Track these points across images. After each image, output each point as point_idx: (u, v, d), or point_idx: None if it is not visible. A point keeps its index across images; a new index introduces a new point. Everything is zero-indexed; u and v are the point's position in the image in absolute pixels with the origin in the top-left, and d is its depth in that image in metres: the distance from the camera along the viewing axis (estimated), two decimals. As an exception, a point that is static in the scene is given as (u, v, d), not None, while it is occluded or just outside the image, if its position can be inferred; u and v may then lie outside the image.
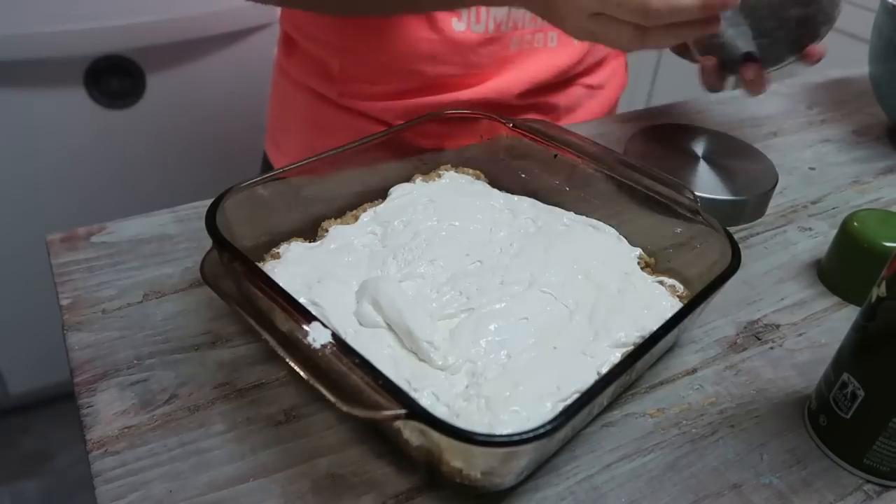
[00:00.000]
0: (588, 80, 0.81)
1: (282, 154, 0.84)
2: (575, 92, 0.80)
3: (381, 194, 0.56)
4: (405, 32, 0.69)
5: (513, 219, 0.55)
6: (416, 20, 0.68)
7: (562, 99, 0.78)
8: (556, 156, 0.57)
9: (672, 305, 0.47)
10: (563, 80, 0.78)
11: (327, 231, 0.52)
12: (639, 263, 0.52)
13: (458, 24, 0.69)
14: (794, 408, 0.46)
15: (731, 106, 0.85)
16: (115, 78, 1.22)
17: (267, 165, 0.87)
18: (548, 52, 0.74)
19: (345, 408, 0.34)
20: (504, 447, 0.33)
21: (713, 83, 0.63)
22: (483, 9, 0.68)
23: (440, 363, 0.41)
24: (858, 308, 0.41)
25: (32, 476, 1.40)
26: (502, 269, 0.49)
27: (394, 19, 0.68)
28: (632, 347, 0.42)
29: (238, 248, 0.42)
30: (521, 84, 0.73)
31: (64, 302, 0.49)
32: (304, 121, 0.80)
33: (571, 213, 0.56)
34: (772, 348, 0.50)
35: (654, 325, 0.41)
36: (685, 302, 0.47)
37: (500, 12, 0.69)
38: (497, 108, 0.66)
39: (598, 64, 0.82)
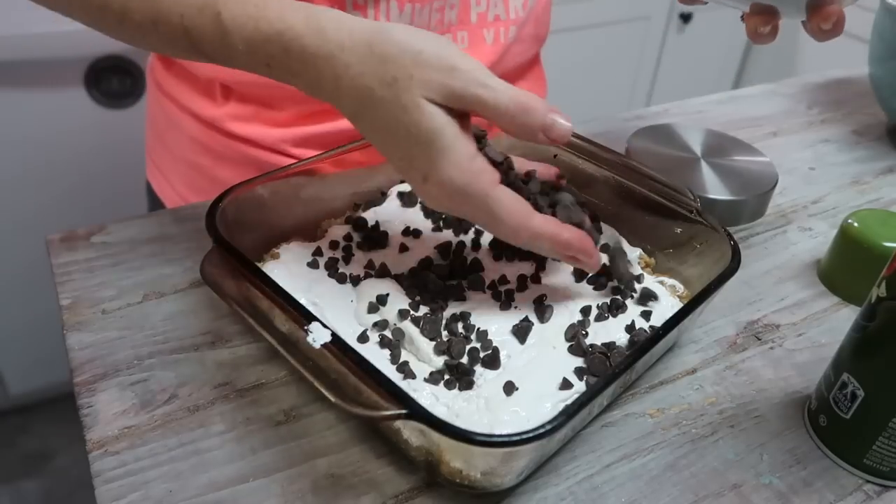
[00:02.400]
0: None
1: (170, 186, 0.71)
2: None
3: (381, 194, 0.56)
4: None
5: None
6: None
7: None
8: (555, 156, 0.57)
9: (672, 305, 0.47)
10: None
11: (327, 231, 0.52)
12: (639, 263, 0.52)
13: None
14: (794, 408, 0.46)
15: (731, 106, 0.85)
16: (115, 78, 1.22)
17: (155, 200, 0.74)
18: None
19: (345, 407, 0.34)
20: (504, 447, 0.33)
21: (759, 38, 0.50)
22: (383, 15, 0.58)
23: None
24: (858, 308, 0.41)
25: (32, 476, 1.40)
26: (501, 269, 0.49)
27: None
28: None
29: (238, 248, 0.42)
30: None
31: (64, 302, 0.49)
32: (190, 146, 0.67)
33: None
34: (772, 348, 0.50)
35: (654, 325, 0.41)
36: (685, 302, 0.47)
37: (401, 17, 0.58)
38: None
39: (518, 72, 0.71)
